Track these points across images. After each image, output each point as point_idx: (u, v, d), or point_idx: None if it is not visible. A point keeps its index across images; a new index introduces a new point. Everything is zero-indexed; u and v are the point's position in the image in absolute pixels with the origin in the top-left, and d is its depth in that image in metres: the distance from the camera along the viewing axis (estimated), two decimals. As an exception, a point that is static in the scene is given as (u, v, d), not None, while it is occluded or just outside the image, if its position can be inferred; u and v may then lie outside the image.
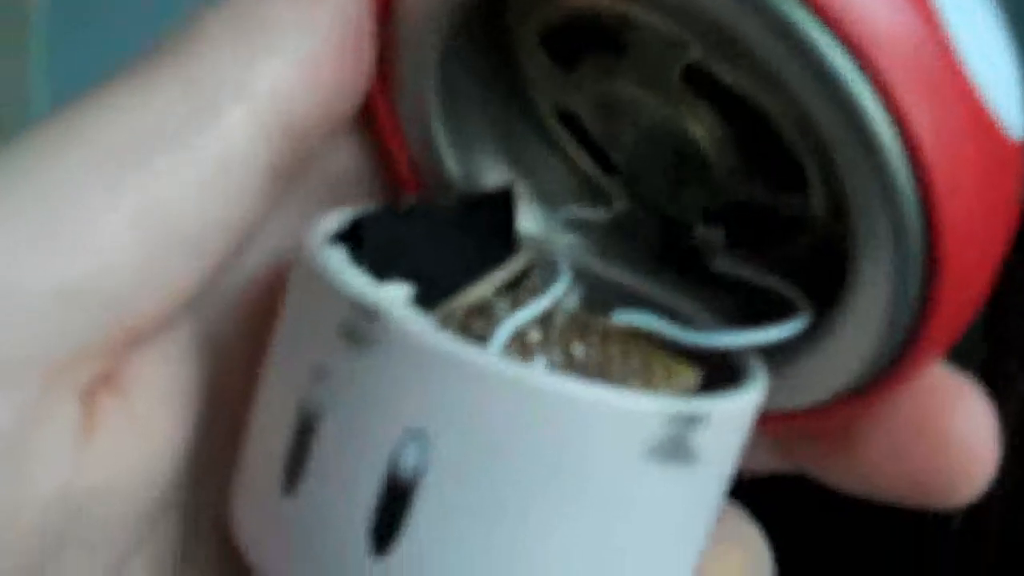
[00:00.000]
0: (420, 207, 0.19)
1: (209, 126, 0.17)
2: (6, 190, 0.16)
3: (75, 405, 0.17)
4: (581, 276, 0.20)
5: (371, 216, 0.18)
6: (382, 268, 0.17)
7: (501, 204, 0.19)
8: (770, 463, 0.21)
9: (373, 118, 0.19)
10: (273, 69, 0.17)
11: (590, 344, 0.18)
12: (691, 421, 0.15)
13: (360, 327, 0.15)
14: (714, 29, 0.15)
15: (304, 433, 0.16)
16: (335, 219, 0.18)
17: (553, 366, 0.17)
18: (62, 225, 0.16)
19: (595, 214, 0.20)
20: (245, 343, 0.19)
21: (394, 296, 0.15)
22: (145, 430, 0.18)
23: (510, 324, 0.17)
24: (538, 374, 0.15)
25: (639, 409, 0.15)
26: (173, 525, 0.19)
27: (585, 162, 0.20)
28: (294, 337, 0.16)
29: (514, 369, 0.14)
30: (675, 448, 0.15)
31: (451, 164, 0.20)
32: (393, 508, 0.15)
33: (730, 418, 0.16)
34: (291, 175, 0.18)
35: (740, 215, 0.19)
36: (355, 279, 0.15)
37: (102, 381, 0.17)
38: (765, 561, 0.20)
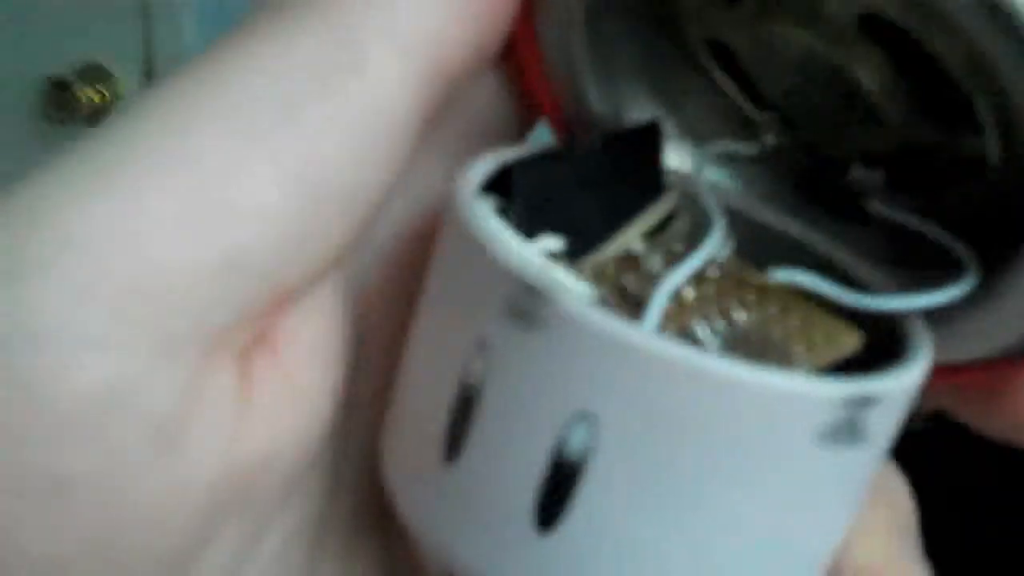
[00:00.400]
0: (565, 149, 0.18)
1: (358, 72, 0.16)
2: (151, 154, 0.15)
3: (232, 373, 0.16)
4: (729, 217, 0.19)
5: (519, 164, 0.17)
6: (533, 219, 0.17)
7: (647, 141, 0.19)
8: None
9: (514, 53, 0.19)
10: (420, 6, 0.16)
11: (747, 304, 0.17)
12: (864, 403, 0.15)
13: (527, 307, 0.15)
14: None
15: (465, 402, 0.15)
16: (482, 168, 0.17)
17: (716, 335, 0.17)
18: (213, 190, 0.15)
19: (745, 148, 0.19)
20: (392, 293, 0.19)
21: (563, 278, 0.15)
22: (300, 388, 0.18)
23: (666, 287, 0.16)
24: (709, 359, 0.14)
25: (815, 394, 0.14)
26: (318, 480, 0.19)
27: (735, 95, 0.20)
28: (453, 301, 0.16)
29: (685, 353, 0.14)
30: (847, 430, 0.15)
31: (595, 100, 0.19)
32: (560, 487, 0.15)
33: (900, 395, 0.15)
34: (438, 117, 0.18)
35: (902, 158, 0.18)
36: (521, 252, 0.15)
37: (256, 342, 0.17)
38: (910, 515, 0.19)
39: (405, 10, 0.16)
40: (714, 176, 0.20)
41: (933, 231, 0.18)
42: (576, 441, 0.15)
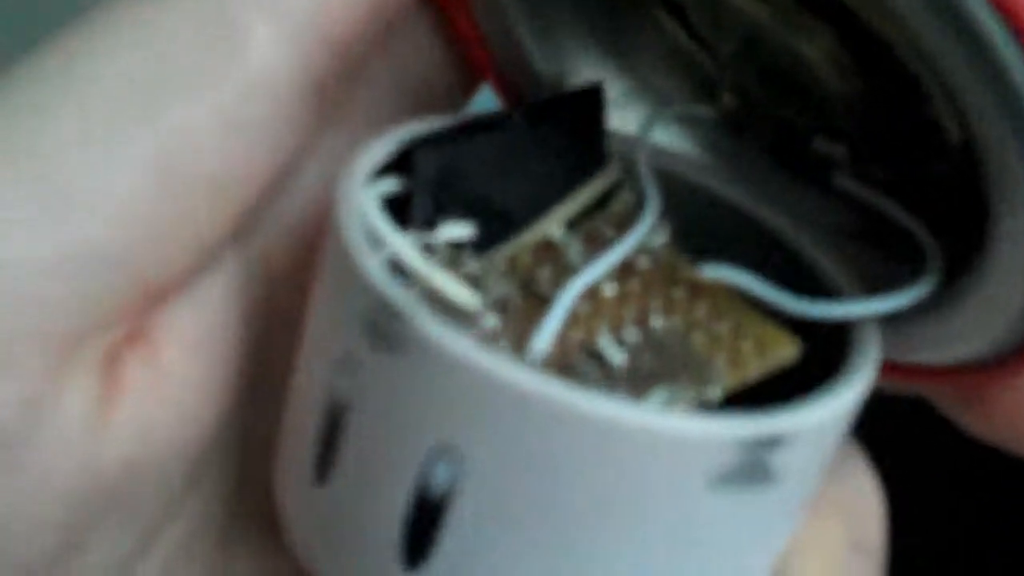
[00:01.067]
0: (487, 118, 0.16)
1: (231, 52, 0.15)
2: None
3: (92, 377, 0.15)
4: (676, 190, 0.17)
5: (425, 142, 0.15)
6: (440, 203, 0.15)
7: (587, 107, 0.17)
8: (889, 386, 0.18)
9: (444, 10, 0.17)
10: None
11: (674, 303, 0.15)
12: (770, 443, 0.13)
13: (386, 327, 0.13)
14: None
15: (333, 422, 0.14)
16: (380, 148, 0.15)
17: (624, 347, 0.15)
18: (62, 181, 0.14)
19: (704, 111, 0.18)
20: (300, 276, 0.17)
21: (414, 301, 0.13)
22: (178, 387, 0.16)
23: (572, 290, 0.15)
24: (582, 397, 0.12)
25: (705, 439, 0.12)
26: (220, 476, 0.18)
27: (692, 49, 0.18)
28: (326, 310, 0.14)
29: (553, 390, 0.12)
30: (750, 472, 0.13)
31: (536, 57, 0.17)
32: (425, 523, 0.13)
33: (821, 430, 0.13)
34: (343, 88, 0.16)
35: (864, 134, 0.16)
36: (377, 271, 0.13)
37: (129, 340, 0.16)
38: (873, 530, 0.17)
39: None
40: (671, 139, 0.18)
41: (897, 213, 0.16)
42: (440, 476, 0.13)
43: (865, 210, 0.17)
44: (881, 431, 0.18)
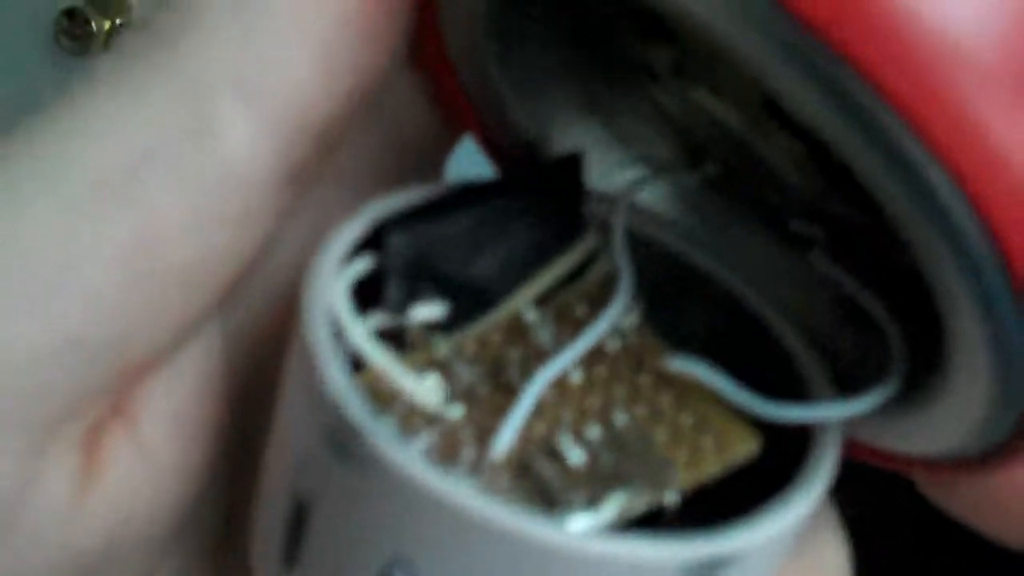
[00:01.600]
0: (463, 189, 0.16)
1: (207, 142, 0.15)
2: None
3: (76, 452, 0.16)
4: (656, 258, 0.17)
5: (396, 220, 0.15)
6: (413, 283, 0.15)
7: (567, 176, 0.17)
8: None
9: (427, 66, 0.17)
10: (275, 56, 0.15)
11: (639, 392, 0.16)
12: (716, 565, 0.13)
13: (343, 439, 0.13)
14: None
15: (299, 515, 0.14)
16: (355, 227, 0.15)
17: (584, 445, 0.15)
18: (42, 269, 0.14)
19: (685, 178, 0.18)
20: (277, 353, 0.17)
21: (379, 422, 0.13)
22: (158, 460, 0.17)
23: (537, 384, 0.15)
24: (524, 521, 0.12)
25: (648, 564, 0.13)
26: (196, 546, 0.18)
27: (679, 117, 0.18)
28: (292, 409, 0.14)
29: (494, 512, 0.12)
30: None
31: (522, 119, 0.17)
32: None
33: (767, 547, 0.14)
34: (316, 171, 0.16)
35: (837, 222, 0.17)
36: (337, 383, 0.13)
37: (111, 414, 0.16)
38: None
39: (259, 61, 0.15)
40: (654, 200, 0.18)
41: (869, 302, 0.16)
42: None
43: (840, 296, 0.17)
44: (850, 491, 0.18)
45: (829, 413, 0.15)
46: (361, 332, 0.14)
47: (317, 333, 0.14)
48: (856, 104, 0.11)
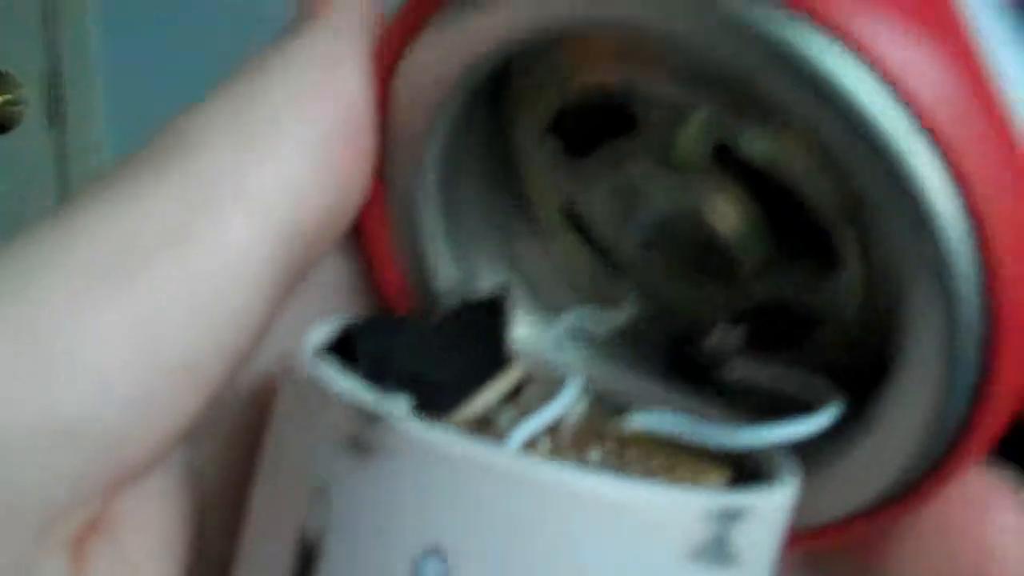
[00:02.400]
0: (411, 317, 0.18)
1: (208, 235, 0.15)
2: None
3: (63, 559, 0.15)
4: (586, 384, 0.18)
5: (363, 327, 0.17)
6: (377, 381, 0.16)
7: (493, 312, 0.18)
8: None
9: (361, 221, 0.18)
10: (277, 169, 0.16)
11: (607, 450, 0.16)
12: (732, 517, 0.14)
13: (366, 437, 0.14)
14: (740, 90, 0.15)
15: (305, 558, 0.14)
16: (325, 330, 0.16)
17: None
18: (51, 353, 0.14)
19: (599, 321, 0.19)
20: (238, 469, 0.18)
21: (398, 402, 0.14)
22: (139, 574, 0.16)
23: (521, 432, 0.16)
24: (570, 473, 0.13)
25: (679, 505, 0.13)
26: None
27: (591, 263, 0.19)
28: (288, 457, 0.15)
29: (542, 468, 0.13)
30: (717, 549, 0.14)
31: (446, 269, 0.18)
32: None
33: (770, 513, 0.15)
34: (296, 282, 0.17)
35: (762, 314, 0.18)
36: (355, 387, 0.14)
37: (91, 528, 0.16)
38: None
39: (264, 169, 0.16)
40: (571, 347, 0.19)
41: (792, 383, 0.17)
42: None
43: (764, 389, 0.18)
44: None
45: (782, 432, 0.16)
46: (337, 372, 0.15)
47: (318, 366, 0.15)
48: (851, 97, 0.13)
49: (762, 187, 0.16)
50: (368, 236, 0.18)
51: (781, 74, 0.13)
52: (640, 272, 0.18)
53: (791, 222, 0.16)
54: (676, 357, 0.18)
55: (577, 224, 0.19)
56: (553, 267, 0.19)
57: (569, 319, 0.19)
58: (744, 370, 0.17)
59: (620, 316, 0.18)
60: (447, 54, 0.15)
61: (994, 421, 0.14)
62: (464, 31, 0.15)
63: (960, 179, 0.13)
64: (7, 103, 0.73)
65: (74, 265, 0.15)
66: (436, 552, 0.13)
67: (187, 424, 0.16)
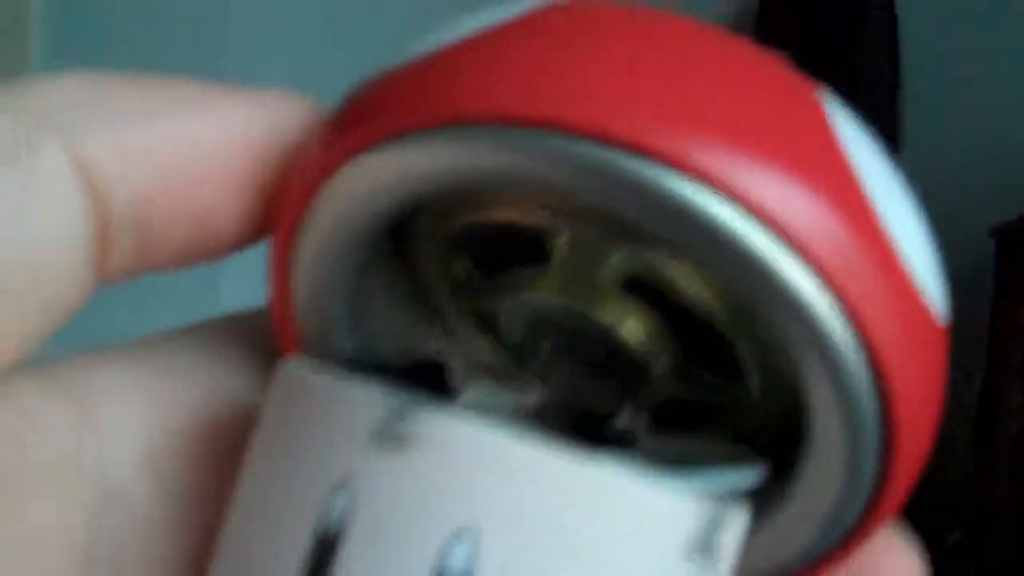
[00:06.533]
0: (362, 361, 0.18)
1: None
2: None
3: None
4: None
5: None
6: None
7: (431, 374, 0.18)
8: None
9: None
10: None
11: None
12: (717, 522, 0.15)
13: (395, 428, 0.14)
14: (646, 238, 0.16)
15: (323, 551, 0.15)
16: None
17: None
18: None
19: (502, 399, 0.19)
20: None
21: (418, 396, 0.15)
22: None
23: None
24: (598, 467, 0.14)
25: (682, 505, 0.15)
26: None
27: (495, 355, 0.19)
28: (300, 455, 0.15)
29: (574, 462, 0.14)
30: (704, 547, 0.15)
31: (344, 341, 0.18)
32: None
33: (739, 524, 0.16)
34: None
35: (669, 405, 0.18)
36: (371, 382, 0.15)
37: None
38: None
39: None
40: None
41: (713, 450, 0.18)
42: (457, 563, 0.14)
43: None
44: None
45: (710, 481, 0.17)
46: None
47: (318, 369, 0.16)
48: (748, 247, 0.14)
49: (667, 309, 0.17)
50: (273, 291, 0.17)
51: (675, 223, 0.14)
52: (546, 367, 0.19)
53: (694, 336, 0.17)
54: (582, 434, 0.18)
55: (482, 324, 0.19)
56: (456, 355, 0.19)
57: (472, 393, 0.18)
58: (654, 446, 0.18)
59: (523, 398, 0.19)
60: (356, 204, 0.16)
61: (895, 496, 0.16)
62: (373, 180, 0.15)
63: (839, 294, 0.14)
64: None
65: None
66: (465, 535, 0.14)
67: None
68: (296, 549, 0.15)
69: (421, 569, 0.14)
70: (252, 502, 0.16)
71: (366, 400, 0.15)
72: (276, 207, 0.17)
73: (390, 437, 0.14)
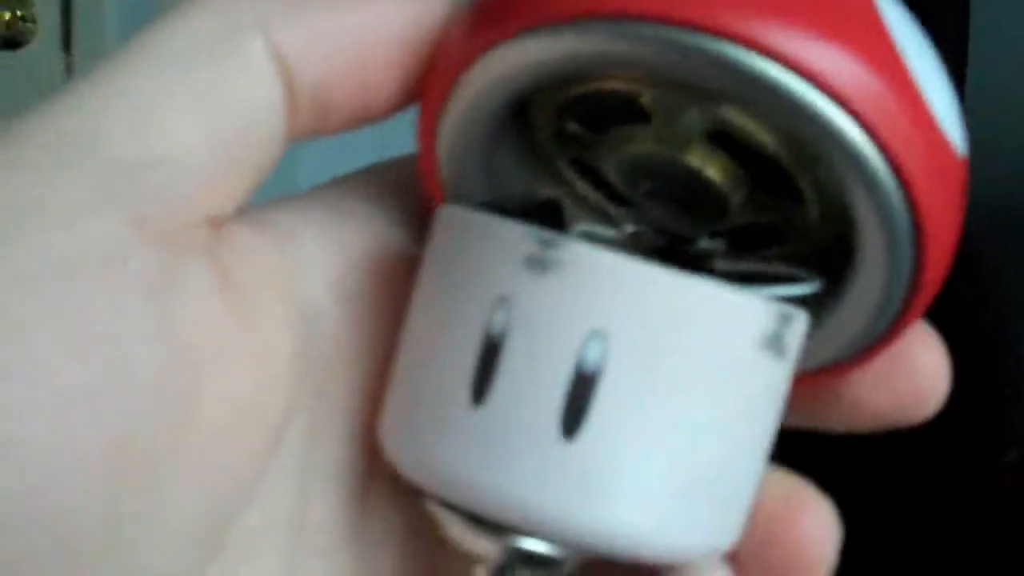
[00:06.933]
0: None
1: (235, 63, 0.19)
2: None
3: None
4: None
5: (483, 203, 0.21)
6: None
7: (551, 213, 0.23)
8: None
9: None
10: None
11: None
12: (787, 319, 0.20)
13: (542, 256, 0.19)
14: (723, 99, 0.20)
15: (490, 352, 0.19)
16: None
17: None
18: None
19: (604, 231, 0.23)
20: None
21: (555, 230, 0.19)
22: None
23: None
24: (693, 278, 0.19)
25: (757, 304, 0.19)
26: (299, 435, 0.21)
27: (601, 202, 0.23)
28: (468, 279, 0.20)
29: (676, 275, 0.19)
30: (776, 342, 0.19)
31: (478, 193, 0.22)
32: (580, 398, 0.19)
33: (803, 324, 0.20)
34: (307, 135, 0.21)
35: (742, 232, 0.23)
36: (524, 220, 0.19)
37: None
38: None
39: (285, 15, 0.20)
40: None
41: (773, 267, 0.22)
42: (592, 356, 0.18)
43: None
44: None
45: (782, 291, 0.21)
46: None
47: (477, 211, 0.20)
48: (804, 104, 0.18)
49: (743, 155, 0.21)
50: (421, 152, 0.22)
51: (744, 88, 0.18)
52: (644, 208, 0.23)
53: (765, 175, 0.21)
54: (668, 256, 0.22)
55: (588, 172, 0.23)
56: (568, 195, 0.23)
57: (582, 226, 0.23)
58: (729, 266, 0.22)
59: (623, 228, 0.23)
60: (501, 76, 0.20)
61: (926, 296, 0.20)
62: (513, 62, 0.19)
63: (877, 136, 0.18)
64: (20, 19, 0.73)
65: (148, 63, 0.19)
66: (598, 336, 0.18)
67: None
68: (468, 353, 0.19)
69: (566, 362, 0.19)
70: (427, 319, 0.20)
71: (519, 233, 0.19)
72: (423, 84, 0.21)
73: (539, 262, 0.19)
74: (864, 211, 0.19)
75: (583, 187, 0.23)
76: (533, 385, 0.19)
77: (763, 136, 0.20)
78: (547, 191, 0.23)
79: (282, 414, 0.20)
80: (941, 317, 0.22)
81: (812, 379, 0.22)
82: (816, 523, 0.21)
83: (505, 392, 0.19)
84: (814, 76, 0.18)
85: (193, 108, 0.19)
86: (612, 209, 0.23)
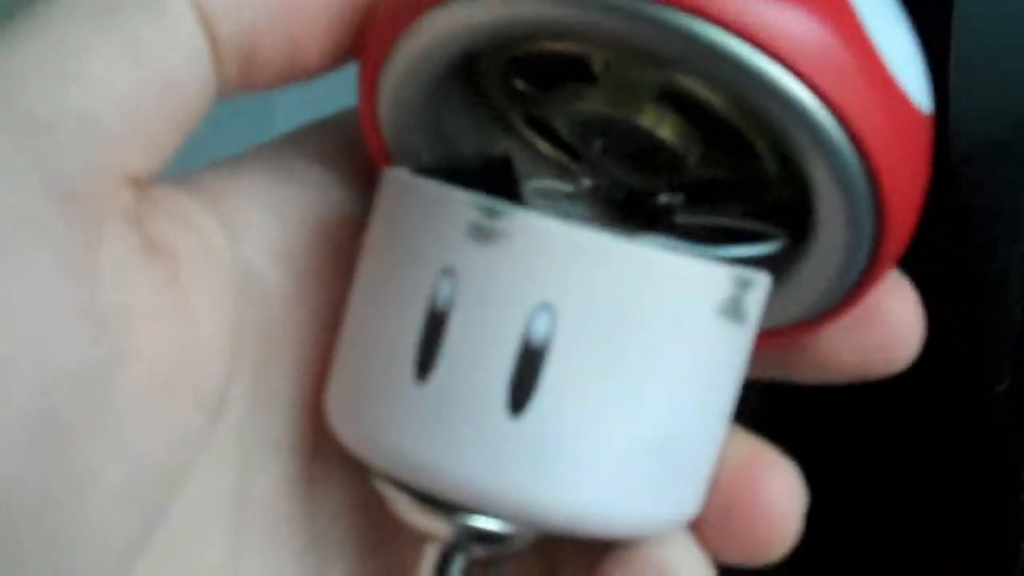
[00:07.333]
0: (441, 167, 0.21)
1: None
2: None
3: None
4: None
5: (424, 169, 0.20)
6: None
7: (503, 170, 0.22)
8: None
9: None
10: None
11: None
12: (745, 284, 0.19)
13: (488, 225, 0.18)
14: (668, 63, 0.19)
15: (434, 326, 0.18)
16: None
17: None
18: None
19: (562, 185, 0.23)
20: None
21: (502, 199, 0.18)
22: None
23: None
24: (645, 247, 0.18)
25: (715, 271, 0.18)
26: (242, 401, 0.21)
27: (556, 157, 0.23)
28: (413, 249, 0.19)
29: (627, 244, 0.18)
30: (735, 307, 0.19)
31: (429, 151, 0.22)
32: (527, 373, 0.18)
33: (763, 287, 0.19)
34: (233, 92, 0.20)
35: (702, 185, 0.22)
36: (471, 190, 0.18)
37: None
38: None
39: None
40: (535, 206, 0.23)
41: (736, 221, 0.21)
42: (539, 329, 0.18)
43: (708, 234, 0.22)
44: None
45: (740, 251, 0.21)
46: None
47: (427, 181, 0.19)
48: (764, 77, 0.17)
49: (696, 113, 0.20)
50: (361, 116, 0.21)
51: (687, 53, 0.17)
52: (599, 164, 0.22)
53: (719, 134, 0.20)
54: (628, 211, 0.22)
55: (541, 129, 0.22)
56: (520, 155, 0.23)
57: (536, 182, 0.22)
58: (689, 218, 0.22)
59: (578, 184, 0.23)
60: (442, 36, 0.19)
61: (888, 258, 0.19)
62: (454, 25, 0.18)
63: (828, 98, 0.17)
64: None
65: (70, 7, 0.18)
66: (546, 309, 0.18)
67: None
68: (412, 324, 0.18)
69: (513, 336, 0.18)
70: (371, 289, 0.20)
71: (462, 201, 0.18)
72: (361, 40, 0.20)
73: (483, 232, 0.18)
74: (819, 173, 0.18)
75: (539, 142, 0.23)
76: (479, 360, 0.18)
77: (714, 99, 0.19)
78: (502, 148, 0.22)
79: (218, 382, 0.20)
80: (929, 252, 0.21)
81: (781, 335, 0.21)
82: (780, 486, 0.21)
83: (451, 367, 0.18)
84: (756, 38, 0.17)
85: (112, 59, 0.18)
86: (569, 163, 0.23)
